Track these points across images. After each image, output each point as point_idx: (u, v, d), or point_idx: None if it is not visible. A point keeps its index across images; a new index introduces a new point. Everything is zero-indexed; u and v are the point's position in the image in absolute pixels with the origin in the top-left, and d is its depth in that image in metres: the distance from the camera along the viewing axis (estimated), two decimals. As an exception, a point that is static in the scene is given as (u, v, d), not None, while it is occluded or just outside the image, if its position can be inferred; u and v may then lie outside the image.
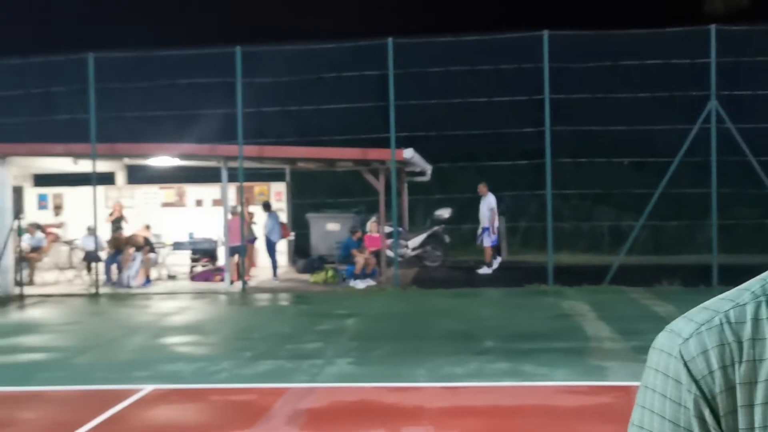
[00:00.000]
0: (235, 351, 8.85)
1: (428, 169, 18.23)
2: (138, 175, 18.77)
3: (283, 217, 17.30)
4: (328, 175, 19.29)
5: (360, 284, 14.24)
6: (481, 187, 16.13)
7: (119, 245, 15.00)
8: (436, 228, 17.34)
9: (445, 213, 17.65)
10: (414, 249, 17.23)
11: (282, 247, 16.67)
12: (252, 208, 16.29)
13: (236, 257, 14.58)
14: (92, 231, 15.11)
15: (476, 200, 18.85)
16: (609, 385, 6.93)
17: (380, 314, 11.51)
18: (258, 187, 17.83)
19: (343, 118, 15.95)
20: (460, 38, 15.08)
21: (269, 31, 18.86)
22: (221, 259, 15.53)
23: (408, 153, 14.79)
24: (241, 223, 14.56)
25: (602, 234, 20.00)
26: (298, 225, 18.05)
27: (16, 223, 14.06)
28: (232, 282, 14.32)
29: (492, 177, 19.39)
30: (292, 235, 17.77)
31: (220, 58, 14.62)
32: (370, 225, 15.89)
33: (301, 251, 17.50)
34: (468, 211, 18.55)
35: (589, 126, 14.96)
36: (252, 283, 14.78)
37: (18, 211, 15.38)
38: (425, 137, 16.19)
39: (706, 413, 0.82)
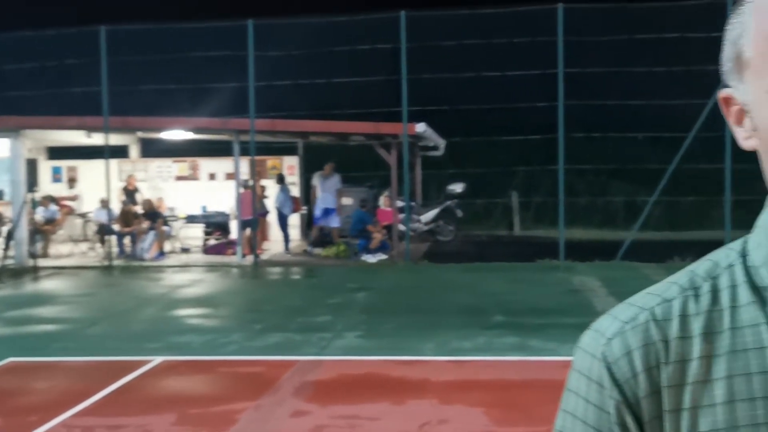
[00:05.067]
0: (246, 323, 8.93)
1: (441, 143, 18.15)
2: (152, 149, 18.87)
3: (296, 191, 17.34)
4: (340, 149, 19.26)
5: (372, 258, 14.28)
6: (328, 167, 15.93)
7: (129, 220, 15.11)
8: (448, 203, 17.31)
9: (457, 188, 17.59)
10: (427, 223, 17.23)
11: (294, 220, 16.72)
12: (264, 182, 16.33)
13: (248, 231, 14.65)
14: (105, 204, 15.23)
15: (490, 175, 18.79)
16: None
17: (391, 288, 11.55)
18: (271, 161, 17.85)
19: (355, 92, 15.89)
20: (474, 11, 14.92)
21: (281, 4, 18.74)
22: (234, 233, 15.61)
23: (420, 127, 14.73)
24: (253, 196, 14.61)
25: (617, 209, 19.89)
26: (311, 199, 18.08)
27: (29, 196, 14.18)
28: (244, 255, 14.41)
29: (505, 151, 19.32)
30: (304, 209, 17.81)
31: (232, 31, 14.57)
32: (383, 199, 15.90)
33: (313, 225, 17.54)
34: (481, 186, 18.50)
35: (604, 100, 14.81)
36: (264, 256, 14.86)
37: (32, 183, 15.51)
38: (438, 111, 16.10)
39: (629, 420, 0.76)
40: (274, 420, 5.41)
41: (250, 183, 14.78)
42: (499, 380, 6.33)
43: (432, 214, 17.22)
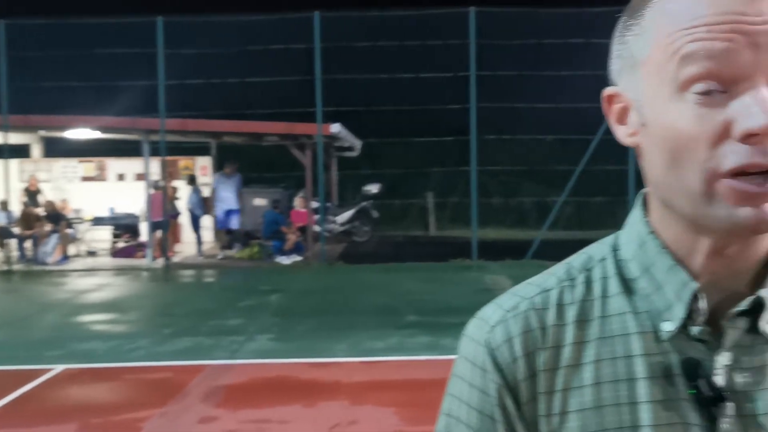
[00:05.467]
0: (155, 328, 8.69)
1: (357, 144, 18.17)
2: (56, 148, 18.12)
3: (208, 192, 16.99)
4: (254, 150, 19.02)
5: (286, 260, 14.14)
6: (229, 167, 15.05)
7: (30, 222, 14.46)
8: (364, 203, 17.33)
9: (373, 188, 17.64)
10: (342, 224, 17.20)
11: (207, 222, 16.37)
12: (176, 183, 15.94)
13: (159, 233, 14.27)
14: (5, 206, 14.55)
15: (406, 175, 18.90)
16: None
17: (305, 290, 11.46)
18: (183, 162, 17.45)
19: (269, 92, 15.72)
20: (388, 12, 15.01)
21: (193, 1, 18.35)
22: (144, 235, 15.18)
23: (335, 128, 14.70)
24: (164, 197, 14.25)
25: (528, 209, 20.37)
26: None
27: None
28: (154, 258, 14.03)
29: (421, 152, 19.51)
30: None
31: (141, 27, 14.17)
32: (298, 200, 15.77)
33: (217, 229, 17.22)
34: (397, 187, 18.62)
35: (515, 103, 15.14)
36: (176, 259, 14.51)
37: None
38: (354, 112, 16.11)
39: (508, 401, 0.81)
40: (180, 427, 5.27)
41: (161, 184, 14.41)
42: (410, 380, 6.37)
43: (348, 214, 17.20)
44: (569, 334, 0.81)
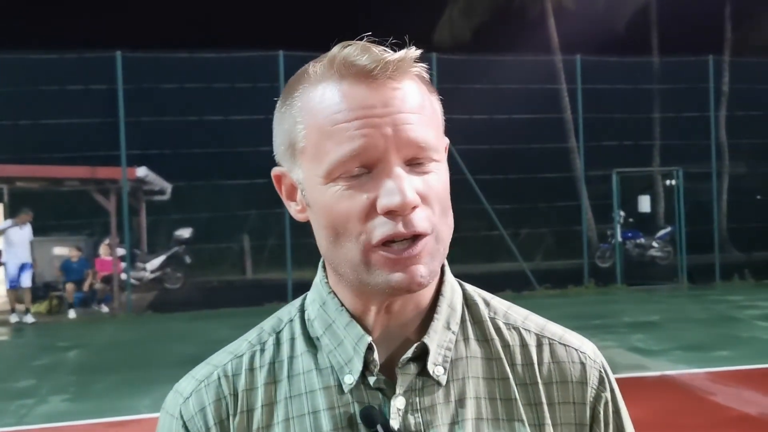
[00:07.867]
0: (-72, 398, 7.76)
1: (167, 187, 17.57)
2: None
3: None
4: (54, 195, 17.81)
5: (104, 308, 13.30)
6: (22, 216, 13.27)
7: None
8: (176, 249, 16.74)
9: (185, 233, 17.10)
10: (153, 271, 16.48)
11: (-1, 275, 15.02)
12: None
13: (-61, 289, 12.90)
14: None
15: (220, 219, 18.49)
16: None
17: (108, 344, 10.79)
18: (-32, 210, 15.97)
19: (70, 135, 14.83)
20: (194, 54, 14.78)
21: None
22: None
23: (142, 171, 14.15)
24: (-58, 250, 12.93)
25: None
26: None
27: None
28: (-67, 318, 12.64)
29: (235, 195, 19.23)
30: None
31: None
32: (103, 248, 14.92)
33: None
34: (211, 231, 18.17)
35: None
36: (-40, 317, 13.16)
37: None
38: (161, 155, 15.59)
39: None
40: None
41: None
42: None
43: (158, 261, 16.53)
44: (260, 397, 0.84)
